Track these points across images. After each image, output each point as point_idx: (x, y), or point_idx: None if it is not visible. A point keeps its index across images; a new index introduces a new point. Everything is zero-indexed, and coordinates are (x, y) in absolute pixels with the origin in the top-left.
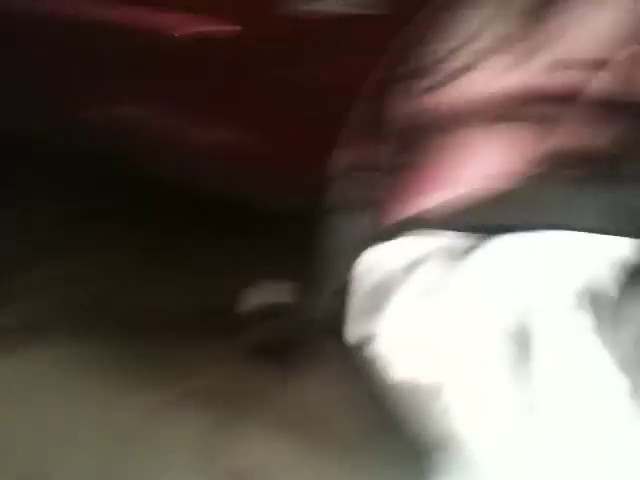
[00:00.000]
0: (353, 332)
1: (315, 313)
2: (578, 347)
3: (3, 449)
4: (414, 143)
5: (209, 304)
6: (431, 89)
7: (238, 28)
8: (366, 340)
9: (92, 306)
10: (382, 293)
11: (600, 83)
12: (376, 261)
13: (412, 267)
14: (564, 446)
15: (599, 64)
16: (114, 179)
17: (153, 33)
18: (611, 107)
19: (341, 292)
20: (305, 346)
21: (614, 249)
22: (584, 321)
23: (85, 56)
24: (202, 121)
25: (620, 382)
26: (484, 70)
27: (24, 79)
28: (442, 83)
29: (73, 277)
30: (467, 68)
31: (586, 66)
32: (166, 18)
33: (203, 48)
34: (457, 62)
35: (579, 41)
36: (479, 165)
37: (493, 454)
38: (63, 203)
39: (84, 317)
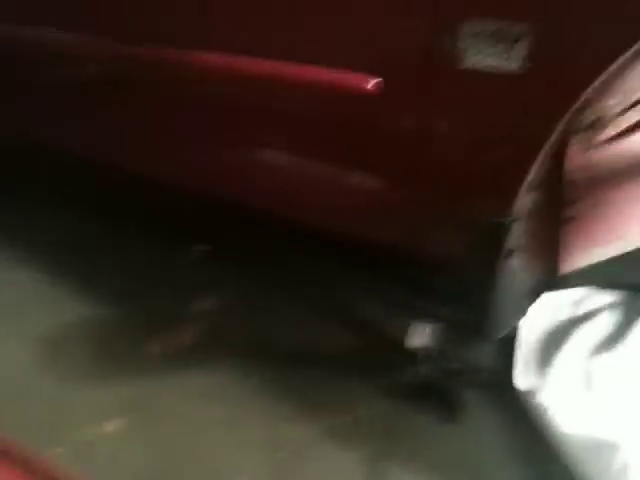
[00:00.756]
0: (520, 381)
1: (479, 359)
2: None
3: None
4: (587, 195)
5: (368, 342)
6: (606, 142)
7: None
8: (534, 390)
9: (258, 340)
10: (552, 344)
11: None
12: (545, 311)
13: (583, 320)
14: None
15: None
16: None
17: (304, 86)
18: None
19: (508, 340)
20: (465, 391)
21: None
22: None
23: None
24: (359, 171)
25: None
26: None
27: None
28: (618, 136)
29: (240, 310)
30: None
31: None
32: (318, 72)
33: (350, 101)
34: (633, 116)
35: None
36: None
37: None
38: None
39: (252, 348)
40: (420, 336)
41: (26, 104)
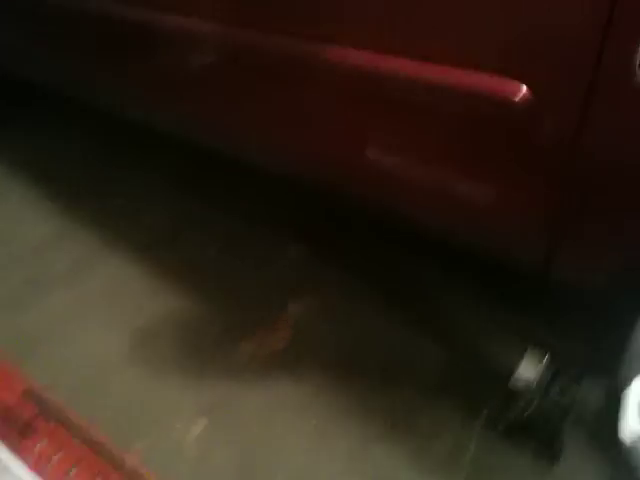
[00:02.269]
0: (627, 433)
1: (592, 398)
2: None
3: None
4: None
5: (471, 365)
6: None
7: (528, 91)
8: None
9: (352, 349)
10: None
11: None
12: None
13: None
14: None
15: None
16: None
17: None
18: None
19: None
20: (571, 432)
21: None
22: None
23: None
24: (496, 183)
25: None
26: None
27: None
28: None
29: (338, 320)
30: None
31: None
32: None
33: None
34: None
35: None
36: None
37: None
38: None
39: (344, 358)
40: (536, 366)
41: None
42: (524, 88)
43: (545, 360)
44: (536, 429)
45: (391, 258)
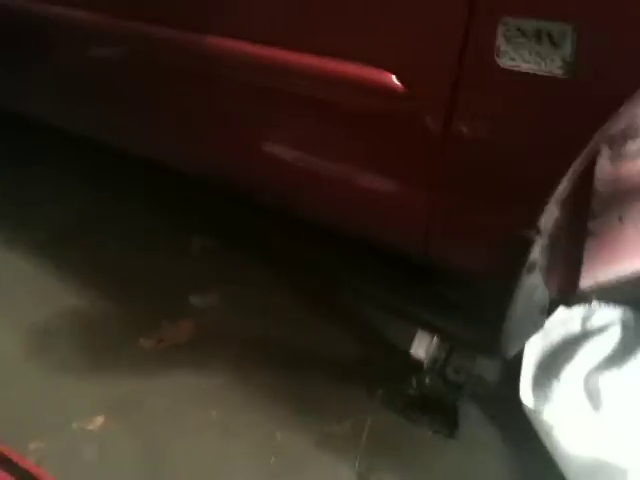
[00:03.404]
0: (526, 397)
1: (484, 373)
2: None
3: None
4: (613, 209)
5: (371, 350)
6: (632, 156)
7: (400, 79)
8: (540, 407)
9: (257, 340)
10: (559, 360)
11: None
12: (555, 326)
13: (592, 336)
14: None
15: None
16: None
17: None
18: None
19: (517, 355)
20: (466, 406)
21: None
22: None
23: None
24: (385, 174)
25: None
26: None
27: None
28: None
29: (242, 310)
30: None
31: None
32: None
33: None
34: None
35: None
36: None
37: None
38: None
39: (249, 349)
40: (426, 346)
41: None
42: (394, 78)
43: (437, 340)
44: (433, 406)
45: (294, 249)
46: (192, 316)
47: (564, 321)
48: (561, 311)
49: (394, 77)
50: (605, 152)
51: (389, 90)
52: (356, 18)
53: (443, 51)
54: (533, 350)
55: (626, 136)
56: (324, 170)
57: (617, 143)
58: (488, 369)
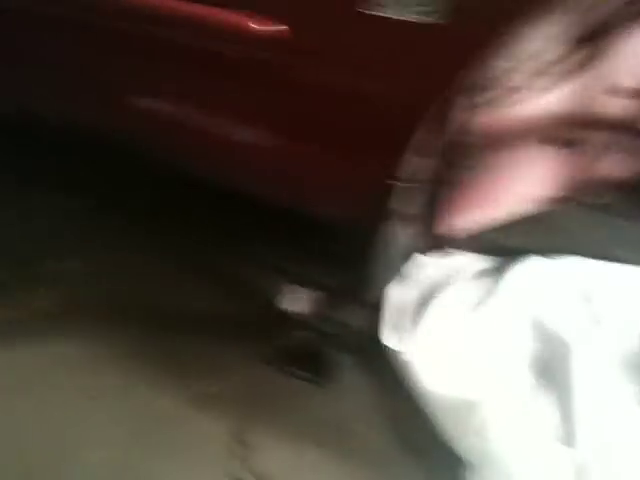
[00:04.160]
0: (388, 339)
1: (352, 322)
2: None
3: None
4: (471, 158)
5: (242, 306)
6: (485, 106)
7: (290, 29)
8: (401, 348)
9: (123, 304)
10: (419, 303)
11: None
12: (415, 271)
13: (447, 282)
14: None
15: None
16: (147, 177)
17: (205, 30)
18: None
19: (380, 302)
20: (338, 355)
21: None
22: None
23: (135, 44)
24: (252, 125)
25: None
26: (535, 91)
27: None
28: (496, 101)
29: (107, 274)
30: (521, 88)
31: (630, 94)
32: (226, 16)
33: (253, 48)
34: (513, 81)
35: (626, 69)
36: (518, 187)
37: (527, 473)
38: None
39: (115, 312)
40: (294, 300)
41: None
42: (279, 25)
43: (308, 292)
44: (306, 357)
45: (165, 209)
46: (54, 283)
47: (424, 266)
48: (421, 257)
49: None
50: (460, 102)
51: (268, 36)
52: None
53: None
54: (394, 294)
55: (480, 87)
56: (197, 122)
57: (472, 94)
58: (357, 317)
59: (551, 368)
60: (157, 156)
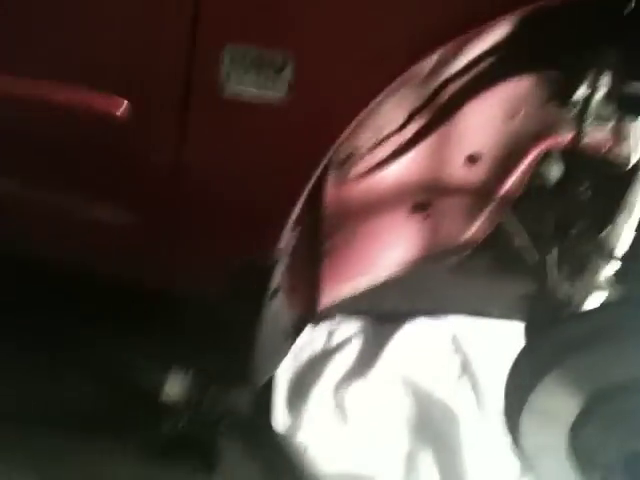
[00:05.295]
0: (279, 421)
1: (239, 403)
2: None
3: None
4: (342, 229)
5: (118, 395)
6: (358, 177)
7: (128, 107)
8: (293, 430)
9: None
10: (307, 379)
11: (478, 176)
12: (300, 346)
13: (335, 351)
14: None
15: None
16: None
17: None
18: (486, 199)
19: (267, 380)
20: (225, 441)
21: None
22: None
23: None
24: (107, 204)
25: None
26: (385, 160)
27: None
28: (368, 172)
29: None
30: (373, 158)
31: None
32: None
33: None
34: (380, 153)
35: (470, 138)
36: (386, 252)
37: None
38: None
39: None
40: (179, 384)
41: None
42: (125, 103)
43: (189, 376)
44: (191, 445)
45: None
46: None
47: (310, 340)
48: (308, 331)
49: (120, 105)
50: (332, 176)
51: (113, 119)
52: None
53: (167, 78)
54: (283, 373)
55: (349, 161)
56: (43, 203)
57: (341, 168)
58: (244, 400)
59: (433, 430)
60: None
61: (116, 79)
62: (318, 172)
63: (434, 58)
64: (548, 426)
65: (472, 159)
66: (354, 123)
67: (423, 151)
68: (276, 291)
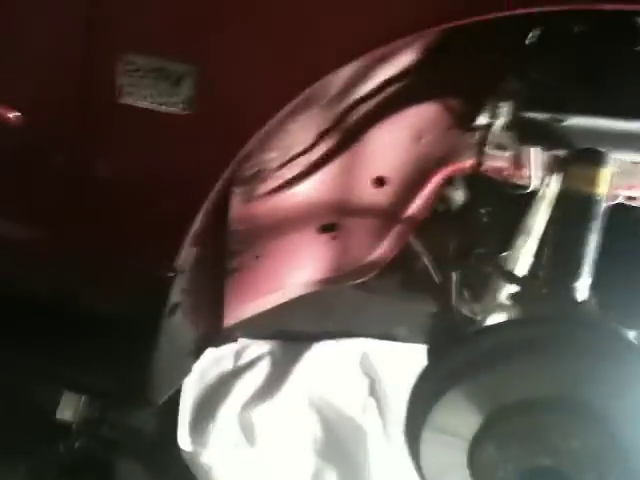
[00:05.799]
0: (184, 442)
1: (141, 423)
2: None
3: None
4: (250, 247)
5: (12, 418)
6: (267, 195)
7: (27, 115)
8: (198, 450)
9: None
10: (214, 399)
11: (385, 198)
12: (207, 366)
13: (243, 372)
14: None
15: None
16: None
17: None
18: (393, 221)
19: (172, 400)
20: (126, 462)
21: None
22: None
23: None
24: (14, 219)
25: None
26: (293, 180)
27: None
28: (277, 190)
29: None
30: (282, 177)
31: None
32: None
33: None
34: (275, 171)
35: (378, 159)
36: (295, 272)
37: None
38: None
39: None
40: (74, 406)
41: None
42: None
43: (82, 400)
44: (87, 468)
45: None
46: None
47: (218, 360)
48: (214, 350)
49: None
50: (238, 193)
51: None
52: None
53: (65, 88)
54: (189, 393)
55: (256, 179)
56: None
57: (248, 185)
58: (147, 419)
59: (340, 450)
60: None
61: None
62: (219, 187)
63: (341, 79)
64: (448, 445)
65: (379, 181)
66: (255, 140)
67: (331, 172)
68: (175, 307)
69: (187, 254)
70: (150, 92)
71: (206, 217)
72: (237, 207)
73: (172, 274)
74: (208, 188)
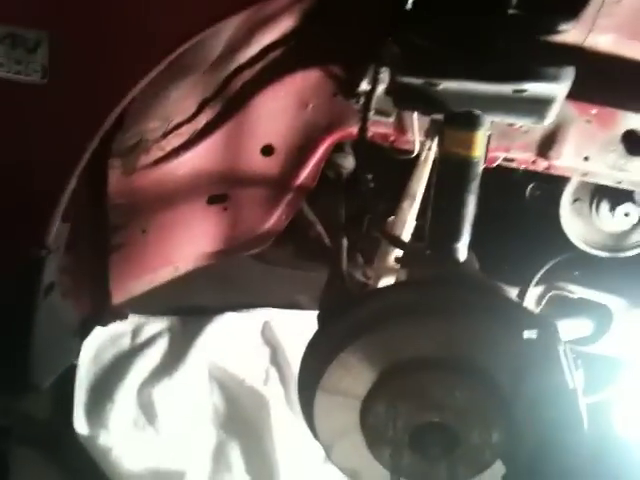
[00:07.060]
0: (81, 425)
1: (32, 411)
2: None
3: None
4: (135, 221)
5: None
6: (150, 166)
7: None
8: (97, 432)
9: None
10: (111, 379)
11: (273, 167)
12: (101, 346)
13: (140, 350)
14: None
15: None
16: None
17: None
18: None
19: (63, 382)
20: (21, 446)
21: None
22: None
23: None
24: None
25: None
26: (176, 151)
27: None
28: (161, 160)
29: None
30: (164, 148)
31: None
32: None
33: None
34: (171, 142)
35: (264, 128)
36: (185, 245)
37: None
38: None
39: None
40: None
41: None
42: None
43: None
44: None
45: None
46: None
47: (114, 339)
48: (110, 329)
49: None
50: (116, 165)
51: None
52: None
53: None
54: (85, 374)
55: (137, 150)
56: None
57: (128, 156)
58: (41, 405)
59: (243, 419)
60: None
61: None
62: (89, 160)
63: (221, 44)
64: (341, 408)
65: (267, 150)
66: (119, 108)
67: (218, 141)
68: (51, 287)
69: (59, 232)
70: (5, 60)
71: (77, 192)
72: (117, 180)
73: (43, 253)
74: (73, 162)
